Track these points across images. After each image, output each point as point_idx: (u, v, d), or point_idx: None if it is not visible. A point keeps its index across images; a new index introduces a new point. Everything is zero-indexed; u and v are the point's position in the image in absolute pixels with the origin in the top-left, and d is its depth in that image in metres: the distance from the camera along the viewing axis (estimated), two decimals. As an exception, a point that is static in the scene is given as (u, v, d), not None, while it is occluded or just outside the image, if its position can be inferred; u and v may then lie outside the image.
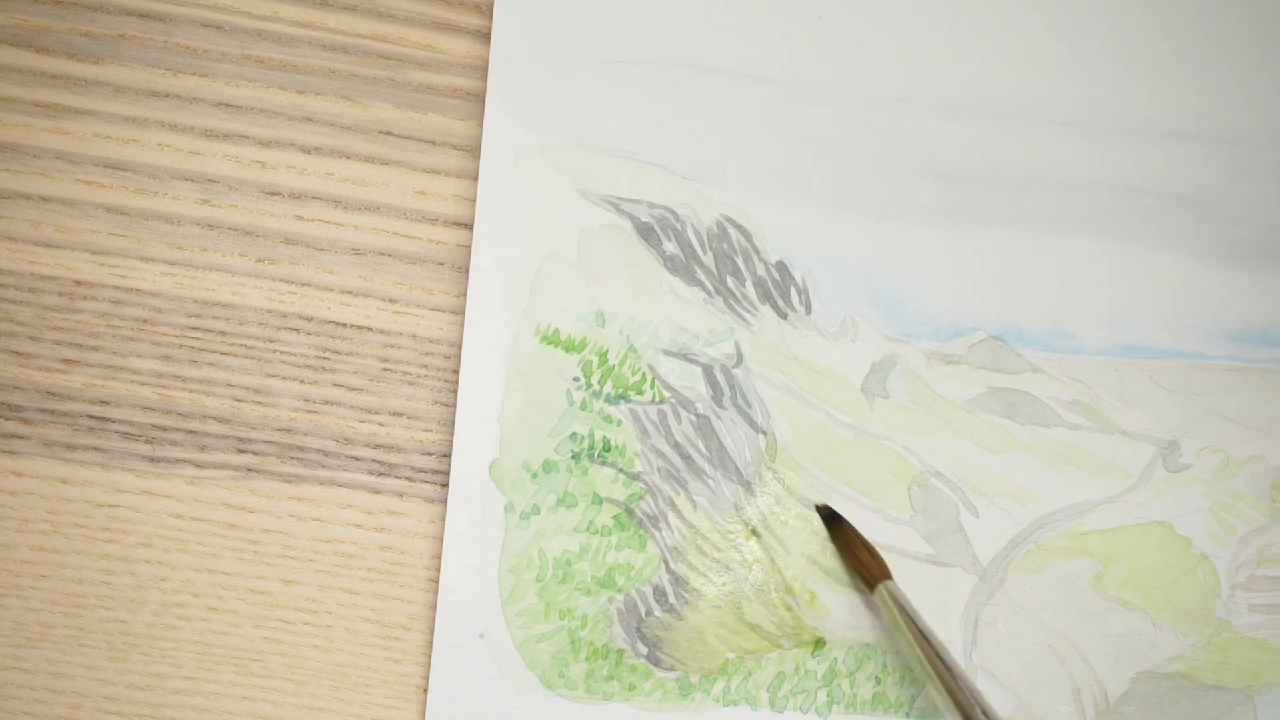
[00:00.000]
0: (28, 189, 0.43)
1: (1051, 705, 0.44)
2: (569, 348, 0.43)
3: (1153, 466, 0.45)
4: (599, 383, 0.43)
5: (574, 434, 0.43)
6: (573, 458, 0.43)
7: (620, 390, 0.44)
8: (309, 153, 0.44)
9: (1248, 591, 0.45)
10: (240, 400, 0.43)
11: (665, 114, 0.45)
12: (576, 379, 0.43)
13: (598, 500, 0.43)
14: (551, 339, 0.43)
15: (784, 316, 0.45)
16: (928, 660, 0.39)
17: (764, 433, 0.44)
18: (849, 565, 0.43)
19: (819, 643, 0.43)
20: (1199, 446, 0.45)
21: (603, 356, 0.44)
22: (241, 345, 0.43)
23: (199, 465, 0.42)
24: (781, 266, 0.45)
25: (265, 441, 0.43)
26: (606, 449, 0.43)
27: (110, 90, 0.44)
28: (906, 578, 0.44)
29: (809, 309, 0.45)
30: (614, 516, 0.43)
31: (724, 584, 0.43)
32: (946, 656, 0.40)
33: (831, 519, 0.43)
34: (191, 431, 0.43)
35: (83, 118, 0.43)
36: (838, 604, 0.43)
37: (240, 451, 0.43)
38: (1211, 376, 0.46)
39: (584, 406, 0.43)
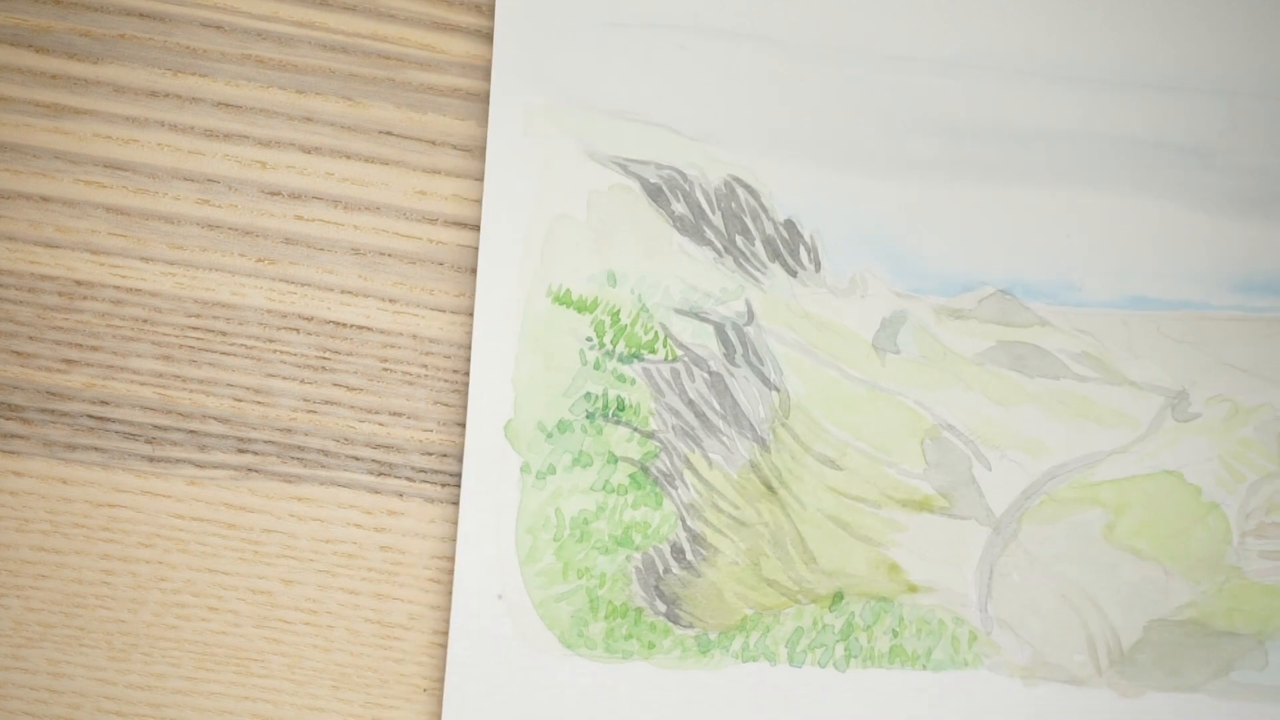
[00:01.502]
0: (28, 189, 0.43)
1: (1067, 654, 0.44)
2: (581, 308, 0.44)
3: (1162, 416, 0.45)
4: (611, 342, 0.44)
5: (588, 393, 0.43)
6: (587, 417, 0.43)
7: (633, 349, 0.44)
8: (309, 153, 0.44)
9: (1258, 538, 0.45)
10: (240, 400, 0.43)
11: (670, 75, 0.45)
12: (589, 339, 0.43)
13: (613, 459, 0.43)
14: (563, 299, 0.44)
15: (794, 274, 0.45)
16: None
17: (777, 389, 0.44)
18: None
19: (837, 597, 0.43)
20: (1207, 396, 0.46)
21: (615, 316, 0.44)
22: (241, 345, 0.43)
23: (199, 465, 0.42)
24: (790, 225, 0.45)
25: (265, 441, 0.43)
26: (621, 408, 0.43)
27: (110, 90, 0.44)
28: (922, 531, 0.44)
29: (818, 266, 0.45)
30: (630, 475, 0.43)
31: (741, 540, 0.43)
32: None
33: None
34: (191, 431, 0.43)
35: (83, 118, 0.43)
36: (854, 558, 0.44)
37: (240, 451, 0.43)
38: (1218, 326, 0.46)
39: (597, 366, 0.43)
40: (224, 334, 0.43)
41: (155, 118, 0.44)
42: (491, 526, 0.42)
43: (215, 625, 0.42)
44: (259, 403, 0.43)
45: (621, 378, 0.43)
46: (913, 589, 0.44)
